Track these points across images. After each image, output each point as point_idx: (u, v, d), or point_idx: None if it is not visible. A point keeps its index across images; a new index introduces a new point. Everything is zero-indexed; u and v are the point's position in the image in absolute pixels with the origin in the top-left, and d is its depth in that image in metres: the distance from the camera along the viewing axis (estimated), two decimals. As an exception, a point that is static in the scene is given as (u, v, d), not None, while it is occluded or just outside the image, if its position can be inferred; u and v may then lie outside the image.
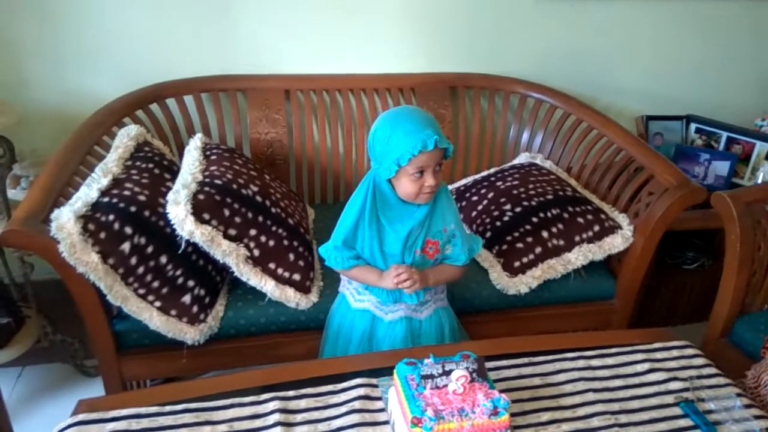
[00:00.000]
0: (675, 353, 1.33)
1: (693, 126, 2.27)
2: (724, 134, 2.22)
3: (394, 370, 1.12)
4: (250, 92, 1.98)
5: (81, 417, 1.10)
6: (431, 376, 1.08)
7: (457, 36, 2.12)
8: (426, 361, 1.11)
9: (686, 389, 1.23)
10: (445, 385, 1.07)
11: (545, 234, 1.69)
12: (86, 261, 1.31)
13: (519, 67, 2.18)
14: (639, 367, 1.28)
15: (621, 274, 1.76)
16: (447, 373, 1.07)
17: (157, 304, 1.43)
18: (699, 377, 1.26)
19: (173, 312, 1.45)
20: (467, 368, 1.09)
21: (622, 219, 1.77)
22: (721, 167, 2.12)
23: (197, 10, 1.91)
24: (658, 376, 1.26)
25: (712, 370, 1.28)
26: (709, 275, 2.14)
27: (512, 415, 1.13)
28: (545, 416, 1.15)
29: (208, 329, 1.49)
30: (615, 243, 1.72)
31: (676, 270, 2.18)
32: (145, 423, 1.09)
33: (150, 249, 1.42)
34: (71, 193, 1.43)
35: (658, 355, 1.32)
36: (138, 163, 1.60)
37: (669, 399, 1.20)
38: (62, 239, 1.28)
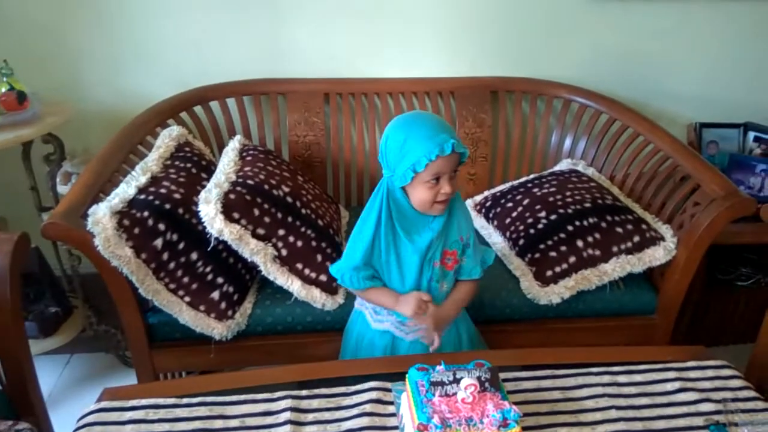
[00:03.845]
0: (710, 373, 1.25)
1: (751, 134, 2.14)
2: (787, 143, 2.08)
3: (406, 376, 1.11)
4: (290, 95, 2.02)
5: (103, 404, 1.15)
6: (441, 383, 1.06)
7: (499, 40, 2.09)
8: (437, 367, 1.09)
9: (719, 412, 1.15)
10: (455, 393, 1.04)
11: (580, 243, 1.64)
12: (120, 255, 1.36)
13: (564, 71, 2.12)
14: (669, 386, 1.22)
15: (663, 288, 1.68)
16: (457, 381, 1.05)
17: (187, 299, 1.48)
18: (734, 400, 1.18)
19: (202, 307, 1.49)
20: (479, 377, 1.06)
21: (666, 230, 1.69)
22: (781, 178, 1.99)
23: (241, 16, 1.97)
24: (688, 396, 1.19)
25: (750, 393, 1.20)
26: (765, 293, 2.01)
27: (527, 428, 1.09)
28: (562, 431, 1.10)
29: (236, 326, 1.52)
30: (656, 255, 1.64)
31: (728, 287, 2.05)
32: (161, 413, 1.12)
33: (182, 245, 1.47)
34: (112, 190, 1.50)
35: (692, 374, 1.25)
36: (177, 163, 1.66)
37: (699, 421, 1.13)
38: (98, 233, 1.34)
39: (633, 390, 1.21)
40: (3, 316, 1.23)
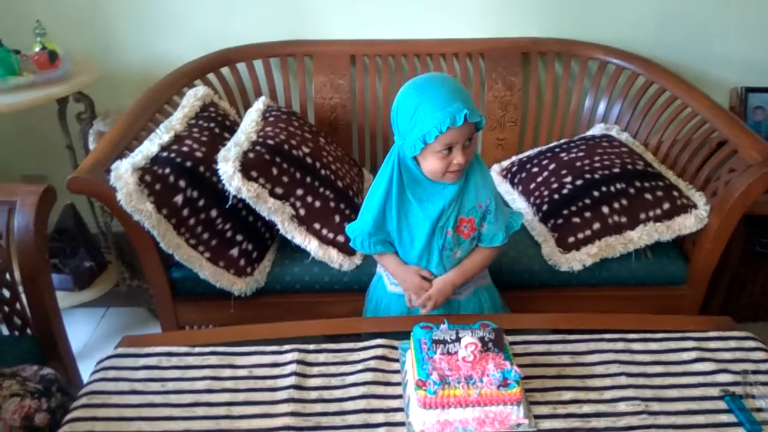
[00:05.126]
0: (732, 344, 1.20)
1: (804, 99, 2.01)
2: (841, 109, 1.94)
3: (411, 333, 1.11)
4: (316, 57, 2.00)
5: (120, 350, 1.20)
6: (443, 342, 1.06)
7: (531, -1, 2.01)
8: (441, 326, 1.09)
9: (736, 383, 1.11)
10: (456, 352, 1.04)
11: (606, 209, 1.58)
12: (141, 209, 1.40)
13: (601, 32, 2.02)
14: (685, 355, 1.18)
15: (694, 258, 1.62)
16: (459, 340, 1.05)
17: (207, 254, 1.51)
18: (755, 372, 1.13)
19: (221, 263, 1.52)
20: (481, 337, 1.05)
21: (699, 198, 1.61)
22: (831, 146, 1.86)
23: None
24: (705, 366, 1.15)
25: (773, 366, 1.15)
26: (810, 267, 1.91)
27: (531, 390, 1.09)
28: (567, 395, 1.08)
29: (255, 282, 1.56)
30: (687, 223, 1.57)
31: (768, 259, 1.96)
32: (174, 361, 1.16)
33: (201, 202, 1.49)
34: (136, 147, 1.53)
35: (712, 344, 1.20)
36: (201, 122, 1.68)
37: (714, 391, 1.09)
38: (120, 188, 1.38)
39: (647, 358, 1.17)
40: (29, 265, 1.29)
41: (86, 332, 2.03)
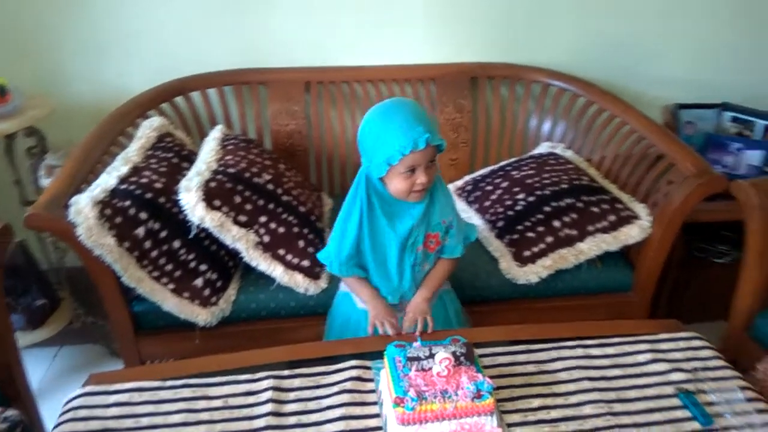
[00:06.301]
0: (682, 344, 1.29)
1: (729, 115, 2.17)
2: (761, 123, 2.11)
3: (384, 353, 1.14)
4: (271, 85, 2.03)
5: (88, 389, 1.17)
6: (417, 359, 1.09)
7: (479, 26, 2.10)
8: (414, 344, 1.12)
9: (688, 381, 1.19)
10: (431, 368, 1.08)
11: (557, 223, 1.67)
12: (102, 244, 1.38)
13: (544, 56, 2.14)
14: (641, 357, 1.25)
15: (638, 266, 1.72)
16: (433, 356, 1.08)
17: (171, 286, 1.50)
18: (704, 369, 1.22)
19: (186, 294, 1.51)
20: (454, 352, 1.09)
21: (641, 209, 1.72)
22: (754, 156, 2.02)
23: (221, 6, 1.97)
24: (659, 367, 1.23)
25: (719, 363, 1.24)
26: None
27: (501, 400, 1.13)
28: (536, 402, 1.14)
29: (220, 312, 1.55)
30: (631, 233, 1.67)
31: (706, 264, 2.09)
32: (146, 396, 1.15)
33: (164, 234, 1.49)
34: (93, 180, 1.51)
35: (663, 345, 1.29)
36: (158, 153, 1.67)
37: (669, 390, 1.17)
38: (80, 223, 1.36)
39: (605, 362, 1.24)
40: (-13, 306, 1.25)
41: (39, 372, 1.95)
